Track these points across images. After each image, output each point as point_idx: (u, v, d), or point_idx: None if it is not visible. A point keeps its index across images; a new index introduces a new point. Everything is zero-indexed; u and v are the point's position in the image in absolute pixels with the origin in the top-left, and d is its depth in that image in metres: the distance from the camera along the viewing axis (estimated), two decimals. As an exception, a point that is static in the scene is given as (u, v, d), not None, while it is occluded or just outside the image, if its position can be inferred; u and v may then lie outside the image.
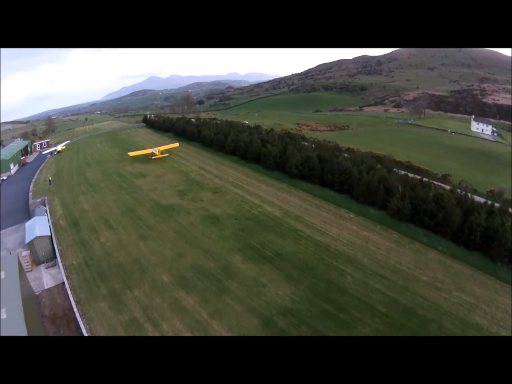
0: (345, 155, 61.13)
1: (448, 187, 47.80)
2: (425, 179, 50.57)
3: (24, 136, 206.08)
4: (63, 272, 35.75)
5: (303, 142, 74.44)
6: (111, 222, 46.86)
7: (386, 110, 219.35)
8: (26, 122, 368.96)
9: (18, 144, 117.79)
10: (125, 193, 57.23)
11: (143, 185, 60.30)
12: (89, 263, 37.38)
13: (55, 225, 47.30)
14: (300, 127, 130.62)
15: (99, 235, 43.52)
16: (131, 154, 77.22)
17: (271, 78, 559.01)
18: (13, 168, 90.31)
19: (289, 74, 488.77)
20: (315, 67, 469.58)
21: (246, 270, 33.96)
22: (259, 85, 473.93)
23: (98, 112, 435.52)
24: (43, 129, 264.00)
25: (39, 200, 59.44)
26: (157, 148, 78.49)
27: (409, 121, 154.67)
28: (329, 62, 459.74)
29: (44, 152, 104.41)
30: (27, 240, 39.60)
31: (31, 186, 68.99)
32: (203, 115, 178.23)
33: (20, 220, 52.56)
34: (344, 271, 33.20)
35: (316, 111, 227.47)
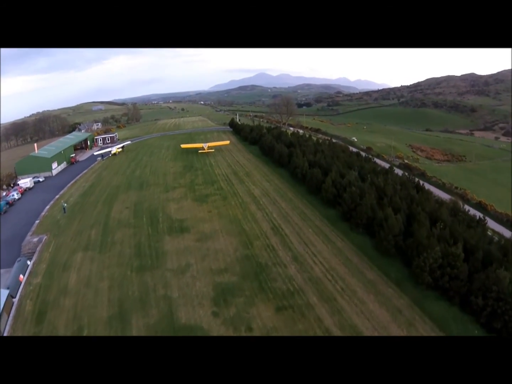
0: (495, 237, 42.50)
1: None
2: None
3: (104, 121, 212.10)
4: None
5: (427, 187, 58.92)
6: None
7: (497, 138, 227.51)
8: (121, 104, 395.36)
9: (74, 137, 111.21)
10: (136, 269, 38.04)
11: (171, 255, 40.15)
12: None
13: (18, 308, 33.89)
14: (414, 151, 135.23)
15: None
16: (183, 146, 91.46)
17: (379, 87, 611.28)
18: (56, 168, 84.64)
19: (398, 85, 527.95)
20: (424, 80, 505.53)
21: None
22: (368, 93, 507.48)
23: (202, 103, 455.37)
24: (142, 112, 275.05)
25: (36, 239, 47.64)
26: (207, 144, 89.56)
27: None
28: (438, 77, 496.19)
29: (95, 153, 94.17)
30: None
31: (47, 207, 59.57)
32: (304, 121, 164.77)
33: (10, 262, 42.13)
34: None
35: (426, 130, 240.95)
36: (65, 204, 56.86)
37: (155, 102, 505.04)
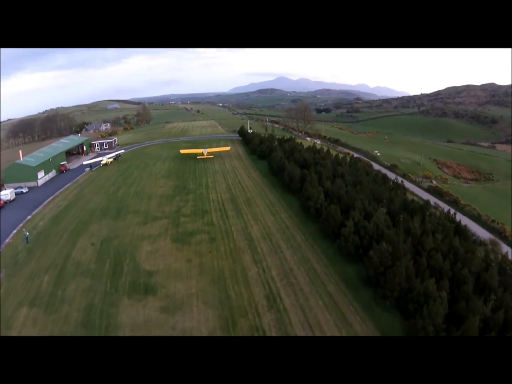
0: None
1: None
2: None
3: (115, 122, 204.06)
4: None
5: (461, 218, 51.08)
6: None
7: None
8: (137, 103, 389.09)
9: (69, 141, 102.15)
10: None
11: (124, 332, 29.68)
12: None
13: None
14: (440, 167, 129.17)
15: None
16: (182, 151, 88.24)
17: (398, 95, 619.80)
18: (43, 177, 76.98)
19: (418, 93, 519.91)
20: (444, 89, 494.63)
21: None
22: (387, 100, 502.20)
23: (220, 105, 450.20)
24: (157, 113, 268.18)
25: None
26: (207, 150, 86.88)
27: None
28: (458, 86, 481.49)
29: (84, 163, 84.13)
30: None
31: (14, 231, 50.99)
32: (323, 128, 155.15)
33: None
34: None
35: (448, 141, 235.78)
36: (27, 233, 47.73)
37: (173, 102, 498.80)
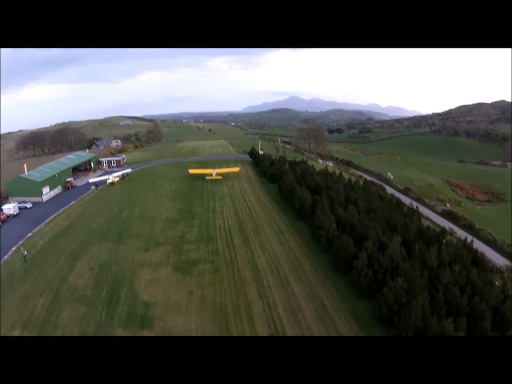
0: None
1: None
2: None
3: (126, 138, 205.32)
4: None
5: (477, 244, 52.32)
6: None
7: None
8: (150, 120, 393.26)
9: (76, 157, 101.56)
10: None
11: None
12: None
13: None
14: (453, 189, 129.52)
15: None
16: (191, 171, 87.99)
17: (410, 114, 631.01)
18: (48, 193, 76.15)
19: (429, 112, 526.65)
20: (455, 108, 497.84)
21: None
22: (399, 120, 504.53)
23: (232, 124, 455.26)
24: (169, 131, 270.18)
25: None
26: (216, 170, 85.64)
27: None
28: (469, 104, 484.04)
29: (90, 181, 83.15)
30: None
31: (14, 248, 49.91)
32: (335, 149, 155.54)
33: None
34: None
35: (460, 161, 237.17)
36: (25, 252, 46.62)
37: (185, 120, 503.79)
